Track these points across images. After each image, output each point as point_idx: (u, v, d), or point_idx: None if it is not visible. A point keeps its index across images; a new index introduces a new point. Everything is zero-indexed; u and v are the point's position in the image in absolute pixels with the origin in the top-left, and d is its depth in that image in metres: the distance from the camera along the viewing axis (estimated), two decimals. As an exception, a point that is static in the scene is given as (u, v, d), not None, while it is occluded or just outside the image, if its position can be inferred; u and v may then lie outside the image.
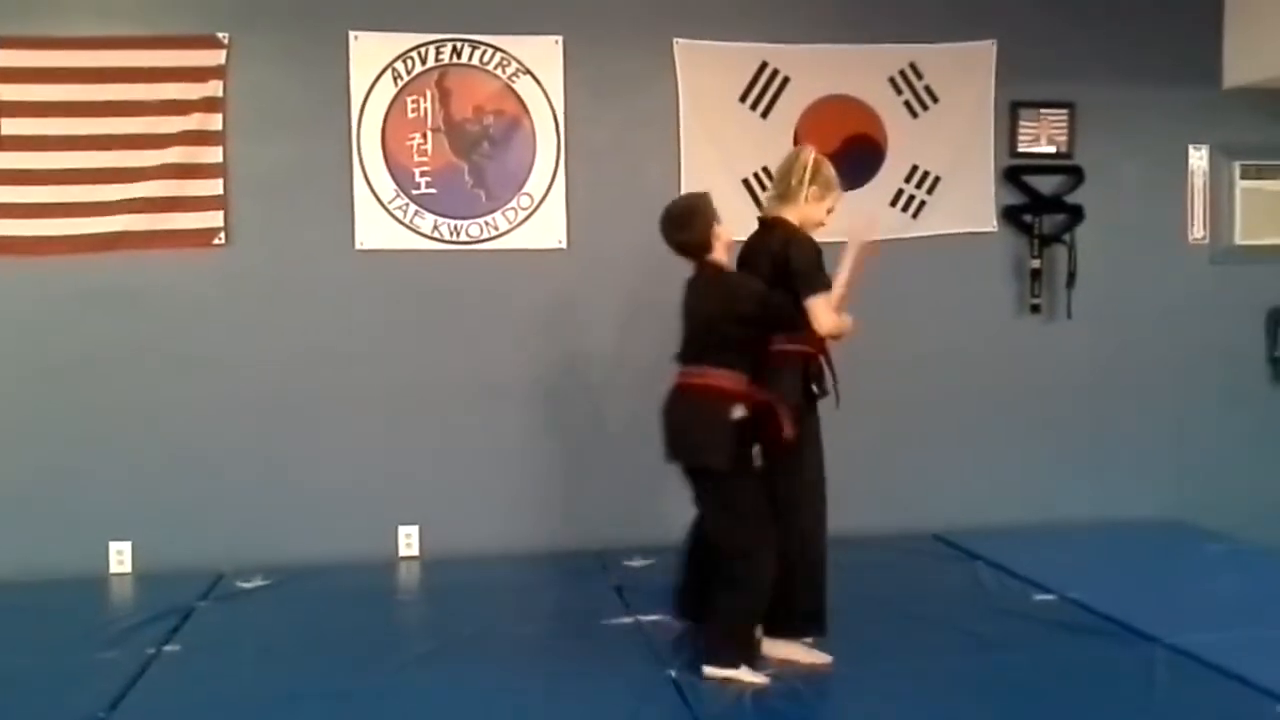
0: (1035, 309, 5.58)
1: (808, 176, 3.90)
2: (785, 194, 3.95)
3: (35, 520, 4.86)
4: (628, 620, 4.18)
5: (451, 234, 5.17)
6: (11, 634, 4.13)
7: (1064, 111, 5.62)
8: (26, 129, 4.85)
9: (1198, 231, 5.79)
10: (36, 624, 4.23)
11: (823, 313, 3.73)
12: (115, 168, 4.90)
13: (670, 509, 5.20)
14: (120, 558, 4.94)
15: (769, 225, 3.97)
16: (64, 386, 4.90)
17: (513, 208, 5.20)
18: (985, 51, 5.50)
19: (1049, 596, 4.40)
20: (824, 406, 4.02)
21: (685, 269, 5.20)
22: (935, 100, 5.49)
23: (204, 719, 3.37)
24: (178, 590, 4.54)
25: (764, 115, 5.37)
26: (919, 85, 5.48)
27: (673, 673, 3.61)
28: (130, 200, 4.91)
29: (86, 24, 4.88)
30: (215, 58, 4.96)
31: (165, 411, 4.96)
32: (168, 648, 3.93)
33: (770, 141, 5.33)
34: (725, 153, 5.32)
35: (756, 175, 5.33)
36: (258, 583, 4.69)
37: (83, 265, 4.88)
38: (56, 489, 4.89)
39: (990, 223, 5.57)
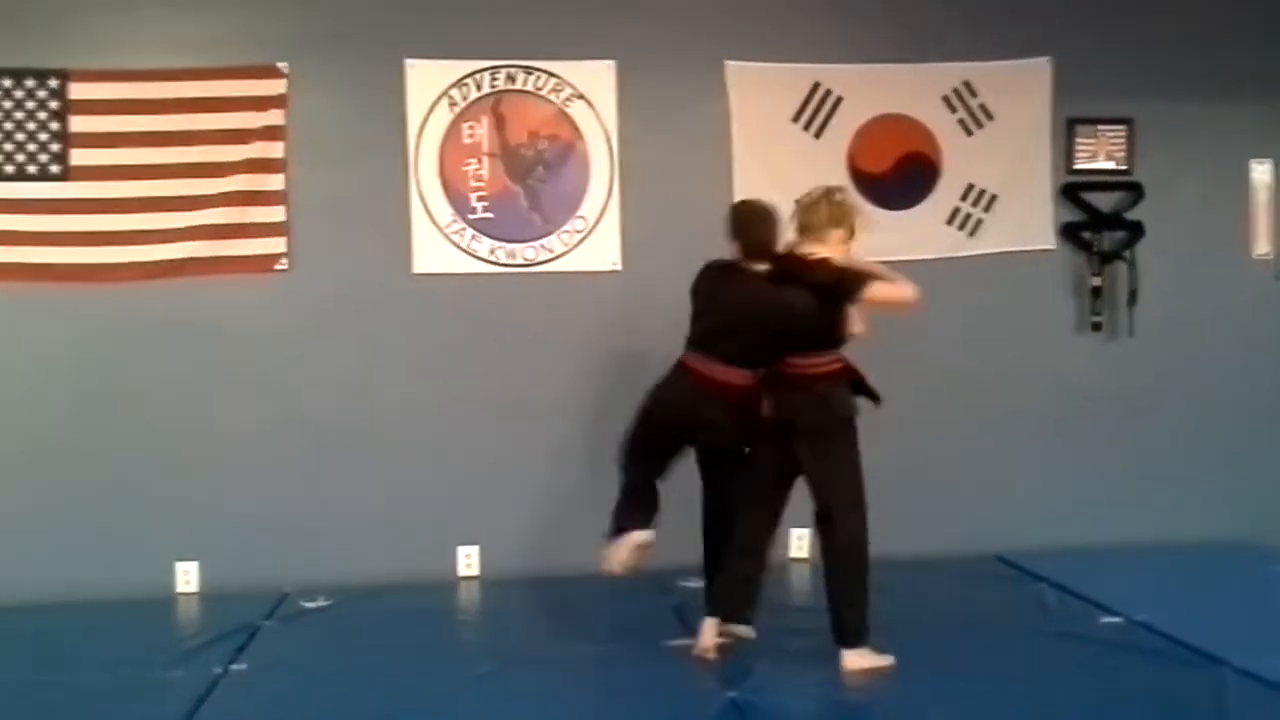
0: (1096, 327, 5.52)
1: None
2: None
3: (104, 541, 4.95)
4: (688, 641, 4.15)
5: (508, 257, 5.22)
6: (82, 653, 4.20)
7: (1122, 127, 5.57)
8: (95, 159, 4.97)
9: (1261, 247, 5.70)
10: (106, 643, 4.30)
11: (893, 288, 3.94)
12: (180, 196, 5.00)
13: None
14: (187, 578, 5.02)
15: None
16: (131, 410, 5.00)
17: (567, 230, 5.24)
18: (1040, 68, 5.47)
19: (1115, 619, 4.33)
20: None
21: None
22: (990, 118, 5.46)
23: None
24: (243, 610, 4.60)
25: (816, 135, 5.38)
26: (973, 103, 5.46)
27: (733, 694, 3.59)
28: (195, 227, 5.01)
29: (153, 56, 5.00)
30: (276, 87, 5.06)
31: (229, 434, 5.04)
32: (235, 666, 3.98)
33: (823, 162, 5.35)
34: (777, 173, 5.30)
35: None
36: (321, 602, 4.74)
37: (148, 292, 4.99)
38: (124, 511, 4.98)
39: (1048, 240, 5.52)
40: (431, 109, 5.16)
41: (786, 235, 4.11)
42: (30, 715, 3.57)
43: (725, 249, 5.19)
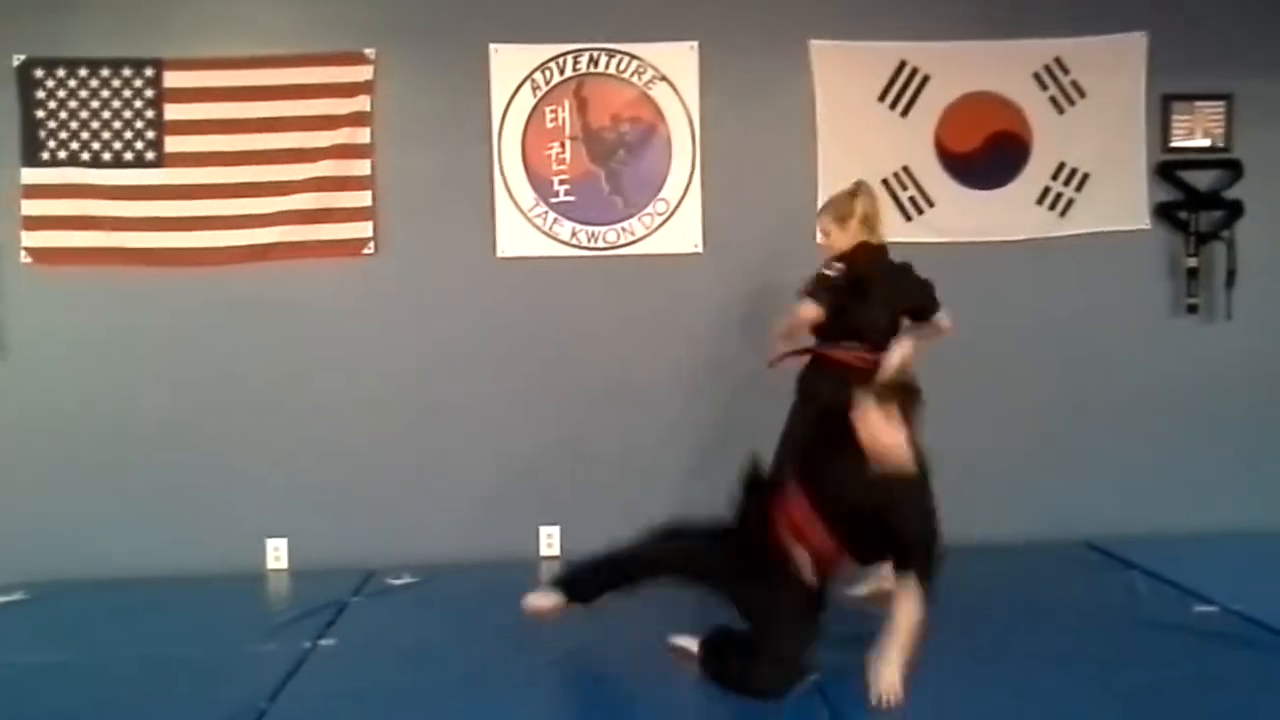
0: (1192, 309, 5.36)
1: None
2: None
3: (196, 518, 5.10)
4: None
5: (589, 240, 5.23)
6: (175, 627, 4.32)
7: (1220, 104, 5.38)
8: (188, 146, 5.09)
9: (1364, 226, 5.48)
10: (199, 617, 4.41)
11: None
12: (269, 181, 5.10)
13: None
14: (277, 554, 5.14)
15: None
16: (223, 391, 5.13)
17: (649, 213, 5.24)
18: (1135, 43, 5.31)
19: (1210, 608, 4.20)
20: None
21: (813, 269, 5.21)
22: (1083, 95, 5.32)
23: (360, 710, 3.46)
24: (331, 586, 4.68)
25: (904, 114, 5.29)
26: (1065, 80, 5.32)
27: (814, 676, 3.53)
28: (284, 212, 5.11)
29: (244, 44, 5.10)
30: (363, 73, 5.13)
31: (318, 414, 5.14)
32: (323, 641, 4.06)
33: (910, 141, 5.29)
34: (864, 153, 5.26)
35: (896, 175, 5.27)
36: (406, 580, 4.81)
37: (240, 275, 5.11)
38: (216, 489, 5.12)
39: (1143, 220, 5.37)
40: (515, 93, 5.19)
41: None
42: (126, 688, 3.66)
43: (806, 228, 5.21)
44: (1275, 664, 3.66)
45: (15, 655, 3.99)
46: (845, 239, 4.33)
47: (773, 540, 3.50)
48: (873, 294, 4.25)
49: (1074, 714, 3.30)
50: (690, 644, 3.64)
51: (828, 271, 4.24)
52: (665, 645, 3.69)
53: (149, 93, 5.08)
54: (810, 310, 4.20)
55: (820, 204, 5.15)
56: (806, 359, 4.38)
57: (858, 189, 4.39)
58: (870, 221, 4.35)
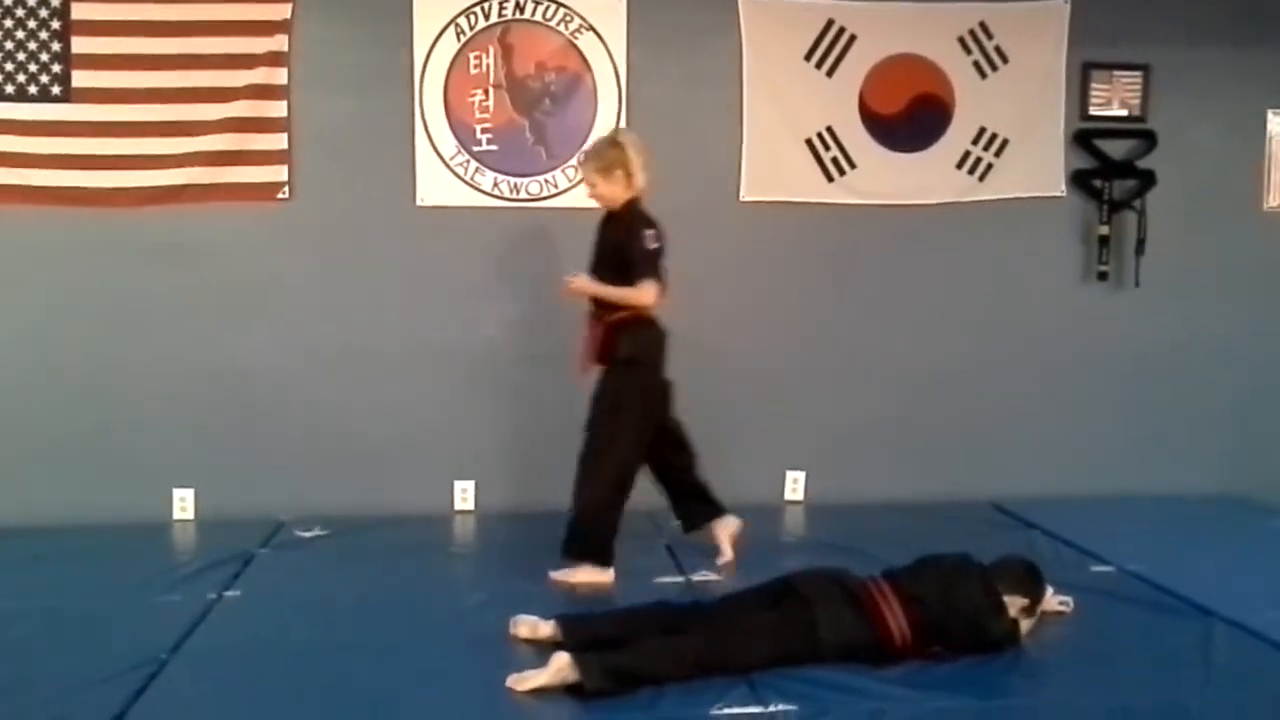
0: (1102, 276, 5.47)
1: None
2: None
3: (101, 467, 4.99)
4: (679, 579, 4.19)
5: (511, 191, 5.18)
6: (78, 576, 4.24)
7: (1138, 74, 5.47)
8: (97, 81, 4.91)
9: (1274, 200, 5.62)
10: (102, 567, 4.33)
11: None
12: (181, 121, 4.95)
13: (722, 471, 5.24)
14: (183, 504, 5.05)
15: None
16: (130, 336, 5.01)
17: (573, 165, 5.18)
18: (1058, 11, 5.36)
19: (1107, 568, 4.35)
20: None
21: (749, 231, 5.23)
22: (1005, 61, 5.37)
23: (263, 663, 3.42)
24: (239, 537, 4.62)
25: (829, 74, 5.29)
26: (989, 45, 5.36)
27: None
28: (196, 153, 4.97)
29: (156, -23, 4.92)
30: (281, 12, 4.98)
31: (228, 362, 5.04)
32: (229, 593, 4.02)
33: (835, 101, 5.29)
34: (789, 111, 5.26)
35: (820, 135, 5.28)
36: (316, 532, 4.77)
37: (149, 217, 4.95)
38: (120, 437, 5.01)
39: (1058, 187, 5.45)
40: (438, 38, 5.08)
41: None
42: (26, 638, 3.59)
43: (730, 185, 5.21)
44: (1163, 622, 3.79)
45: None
46: (614, 190, 4.21)
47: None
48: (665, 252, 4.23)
49: (972, 674, 3.37)
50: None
51: (654, 245, 4.15)
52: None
53: (55, 24, 4.89)
54: (654, 291, 4.13)
55: (744, 161, 5.20)
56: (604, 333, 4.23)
57: (619, 137, 4.30)
58: (638, 175, 4.22)
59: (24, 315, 4.95)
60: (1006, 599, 3.53)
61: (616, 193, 4.21)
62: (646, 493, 5.12)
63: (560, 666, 3.19)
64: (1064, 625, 3.75)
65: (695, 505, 4.49)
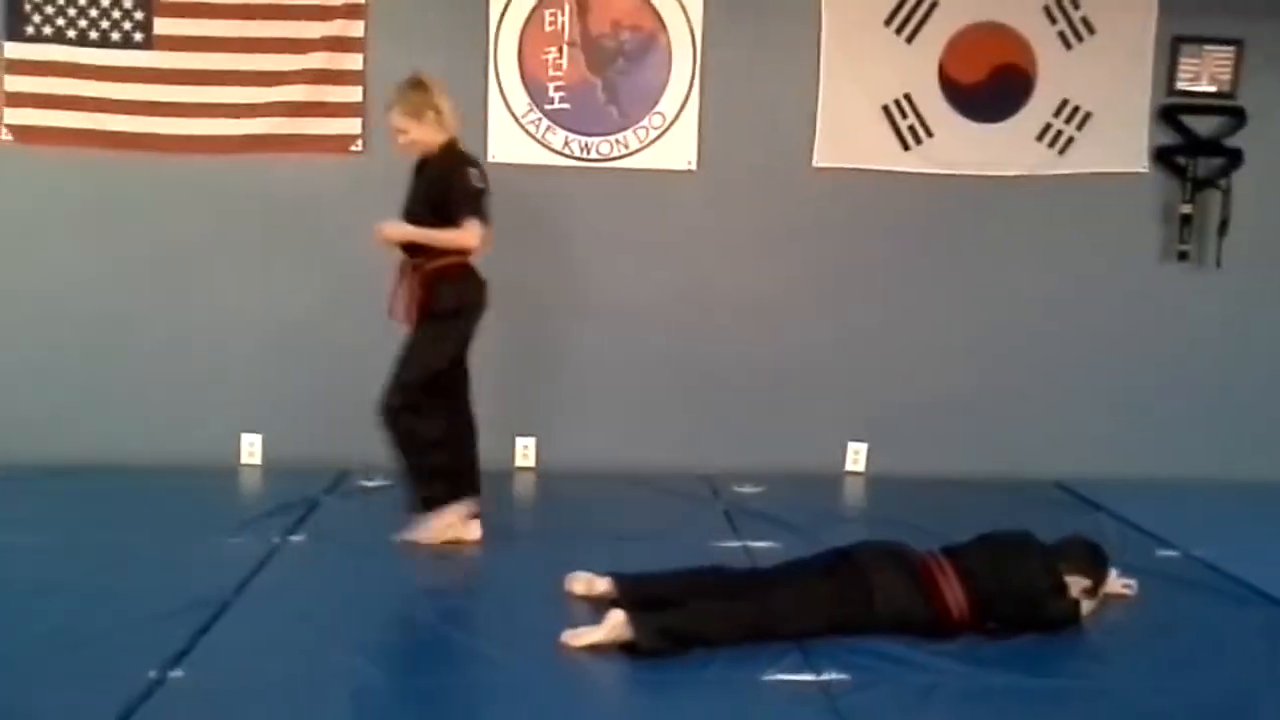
0: (1183, 256, 5.33)
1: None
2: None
3: (173, 410, 5.10)
4: (735, 544, 4.19)
5: (582, 151, 5.16)
6: (147, 515, 4.34)
7: (1230, 49, 5.29)
8: (178, 29, 4.97)
9: (1366, 182, 5.43)
10: (171, 507, 4.44)
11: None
12: (259, 71, 5.00)
13: (783, 439, 5.23)
14: (251, 450, 5.15)
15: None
16: (203, 282, 5.09)
17: (644, 126, 5.15)
18: (1149, -19, 5.22)
19: (1172, 553, 4.27)
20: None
21: (821, 198, 5.17)
22: (1092, 32, 5.22)
23: (325, 607, 3.49)
24: (304, 484, 4.71)
25: (909, 40, 5.19)
26: (1075, 15, 5.22)
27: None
28: (272, 104, 5.01)
29: (238, -72, 4.95)
30: (359, -35, 5.00)
31: (297, 311, 5.10)
32: (293, 538, 4.11)
33: (914, 68, 5.20)
34: (866, 78, 5.18)
35: (897, 102, 5.19)
36: (379, 482, 4.81)
37: (224, 166, 5.02)
38: (193, 382, 5.11)
39: (1141, 163, 5.31)
40: (515, -8, 5.08)
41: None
42: (92, 573, 3.69)
43: (803, 151, 5.15)
44: (1228, 610, 3.73)
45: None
46: (428, 133, 4.02)
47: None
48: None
49: (1027, 652, 3.34)
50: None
51: (479, 184, 3.97)
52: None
53: (140, -29, 4.96)
54: (479, 232, 3.95)
55: (818, 126, 5.12)
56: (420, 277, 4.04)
57: (421, 77, 4.08)
58: (449, 115, 4.07)
59: (100, 258, 5.04)
60: (1068, 579, 3.49)
61: (430, 136, 4.03)
62: (705, 456, 5.16)
63: (615, 624, 3.21)
64: (1126, 609, 3.69)
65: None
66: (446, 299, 4.01)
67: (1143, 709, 3.00)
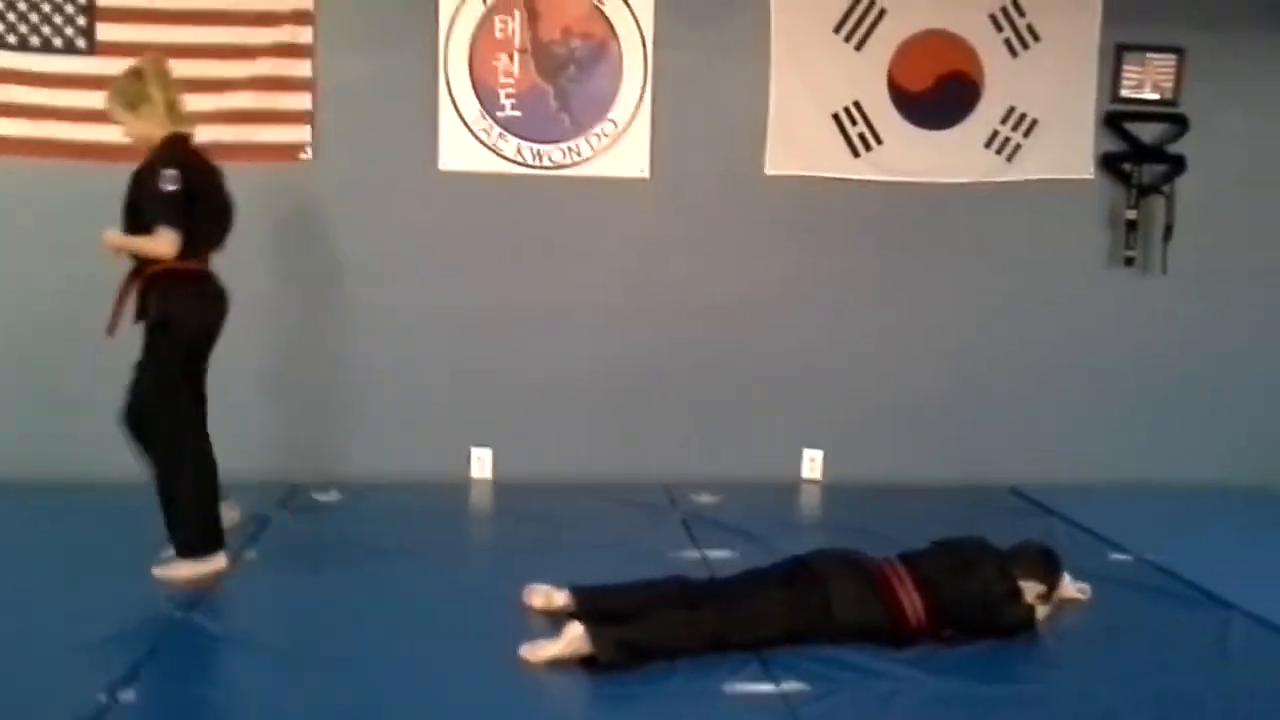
0: (1129, 262, 5.41)
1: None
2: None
3: (111, 426, 4.97)
4: (694, 554, 4.19)
5: (534, 158, 5.13)
6: (98, 536, 4.23)
7: (1172, 57, 5.38)
8: (122, 35, 4.87)
9: (1309, 189, 5.55)
10: (117, 526, 4.31)
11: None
12: (206, 78, 4.88)
13: (739, 447, 5.24)
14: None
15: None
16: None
17: (596, 134, 5.14)
18: (1092, -10, 5.29)
19: (1125, 556, 4.33)
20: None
21: (773, 206, 5.18)
22: (1037, 39, 5.29)
23: (278, 624, 3.46)
24: (256, 500, 4.60)
25: (858, 48, 5.22)
26: (1021, 23, 5.28)
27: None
28: (219, 111, 4.92)
29: (184, -68, 4.87)
30: (308, -31, 4.94)
31: (245, 324, 4.97)
32: (245, 554, 4.04)
33: (863, 76, 5.23)
34: (815, 84, 5.20)
35: (847, 110, 5.22)
36: (333, 496, 4.78)
37: (171, 174, 4.92)
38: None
39: (1087, 170, 5.39)
40: (464, 1, 5.03)
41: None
42: (32, 598, 3.61)
43: (754, 159, 5.16)
44: (1180, 613, 3.78)
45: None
46: (149, 126, 3.77)
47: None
48: (208, 197, 3.83)
49: (983, 658, 3.36)
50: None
51: (171, 187, 3.62)
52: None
53: (81, -24, 4.86)
54: (174, 240, 3.64)
55: (769, 134, 5.15)
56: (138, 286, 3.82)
57: (142, 65, 3.82)
58: (177, 108, 3.81)
59: (40, 270, 4.92)
60: (1023, 584, 3.52)
61: (152, 129, 3.77)
62: (661, 465, 5.15)
63: (574, 637, 3.19)
64: (1080, 613, 3.73)
65: None
66: (152, 310, 3.76)
67: (1098, 712, 3.03)
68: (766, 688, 3.10)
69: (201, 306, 3.87)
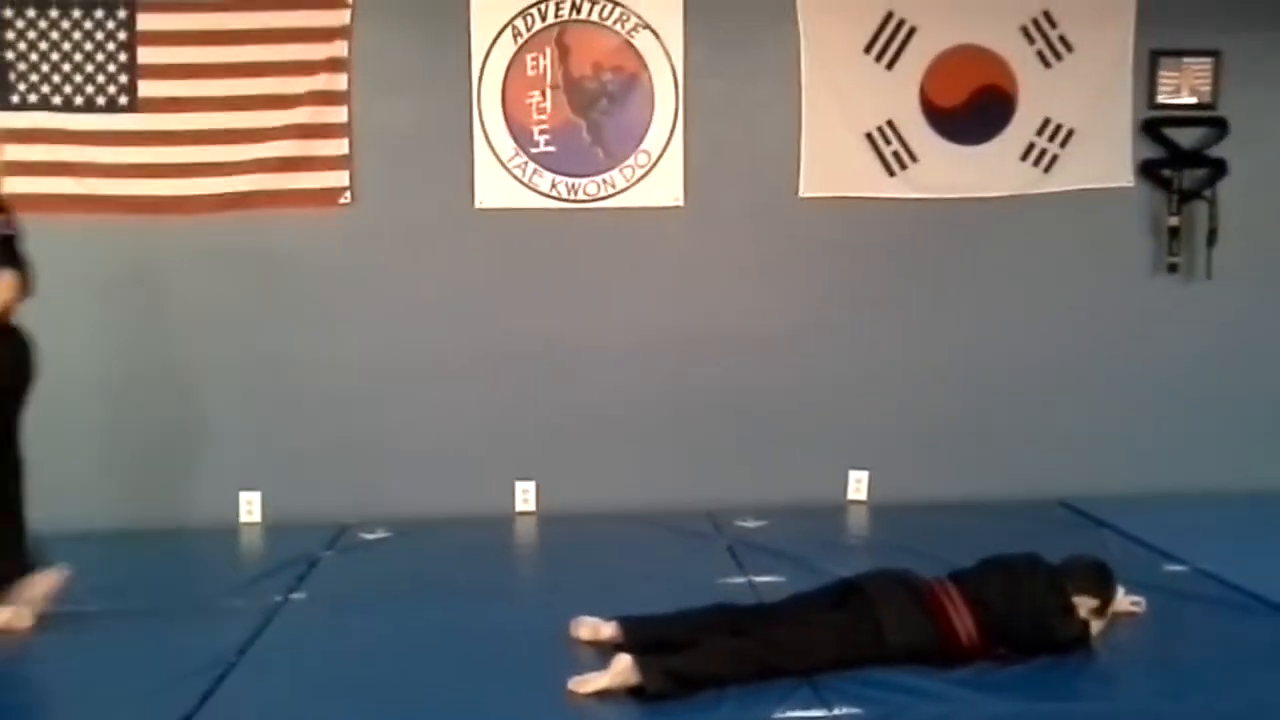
0: (1172, 268, 5.33)
1: None
2: None
3: (168, 471, 5.08)
4: (740, 580, 4.16)
5: (569, 192, 5.17)
6: (146, 579, 4.30)
7: (1208, 60, 5.32)
8: (162, 91, 4.99)
9: (1351, 187, 5.45)
10: (170, 570, 4.42)
11: None
12: (244, 128, 5.01)
13: (783, 471, 5.22)
14: (250, 508, 5.12)
15: None
16: (196, 341, 5.08)
17: (630, 165, 5.17)
18: (1124, -3, 5.25)
19: (1180, 567, 4.24)
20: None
21: (809, 228, 5.18)
22: (1070, 49, 5.25)
23: (329, 665, 3.46)
24: (304, 540, 4.68)
25: (889, 67, 5.22)
26: (1053, 34, 5.25)
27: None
28: (260, 160, 5.02)
29: (219, -13, 4.99)
30: (340, 18, 5.03)
31: (292, 366, 5.10)
32: (294, 595, 4.07)
33: (896, 94, 5.22)
34: (847, 106, 5.20)
35: (880, 129, 5.21)
36: (380, 534, 4.81)
37: (214, 224, 5.02)
38: (189, 442, 5.09)
39: (1126, 177, 5.33)
40: (495, 40, 5.09)
41: None
42: (96, 640, 3.67)
43: (788, 182, 5.17)
44: (1241, 623, 3.70)
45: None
46: None
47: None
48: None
49: (1039, 676, 3.30)
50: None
51: (3, 231, 3.65)
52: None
53: (121, 35, 4.98)
54: (10, 281, 3.61)
55: (803, 157, 5.15)
56: None
57: None
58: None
59: (94, 323, 5.02)
60: (1076, 600, 3.47)
61: None
62: (704, 491, 5.14)
63: (622, 669, 3.18)
64: (1136, 627, 3.66)
65: None
66: None
67: (1158, 728, 2.98)
68: (818, 713, 3.07)
69: (19, 360, 3.77)
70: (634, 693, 3.15)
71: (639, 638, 3.39)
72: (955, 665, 3.32)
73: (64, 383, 4.93)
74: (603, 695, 3.16)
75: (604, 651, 3.36)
